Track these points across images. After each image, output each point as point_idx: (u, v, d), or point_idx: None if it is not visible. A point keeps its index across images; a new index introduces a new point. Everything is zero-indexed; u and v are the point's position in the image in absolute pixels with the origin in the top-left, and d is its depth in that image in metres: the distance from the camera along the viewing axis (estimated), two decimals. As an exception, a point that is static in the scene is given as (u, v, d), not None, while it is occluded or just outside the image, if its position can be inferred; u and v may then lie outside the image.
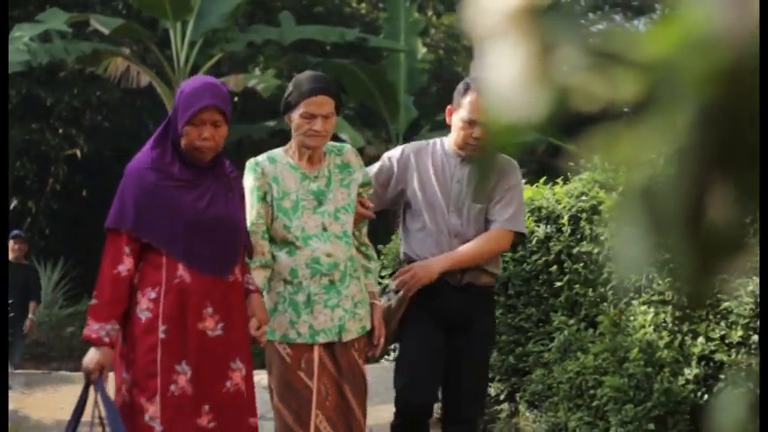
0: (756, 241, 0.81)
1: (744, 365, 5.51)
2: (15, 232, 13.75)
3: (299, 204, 4.69)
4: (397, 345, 6.25)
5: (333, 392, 4.62)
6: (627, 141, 0.79)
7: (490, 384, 6.74)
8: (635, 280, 6.18)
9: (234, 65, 21.17)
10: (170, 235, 4.29)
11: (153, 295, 4.27)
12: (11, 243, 13.18)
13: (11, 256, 13.05)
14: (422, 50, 22.61)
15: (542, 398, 6.66)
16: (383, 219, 15.16)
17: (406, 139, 19.32)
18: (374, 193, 5.04)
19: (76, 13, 17.77)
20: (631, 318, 6.15)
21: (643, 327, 6.00)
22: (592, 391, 6.04)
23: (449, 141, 5.13)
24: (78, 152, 21.96)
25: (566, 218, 6.78)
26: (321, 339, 4.63)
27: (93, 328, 4.21)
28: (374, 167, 5.17)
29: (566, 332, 6.52)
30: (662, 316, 6.00)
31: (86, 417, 4.28)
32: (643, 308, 6.09)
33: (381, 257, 7.70)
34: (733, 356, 5.61)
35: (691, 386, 5.70)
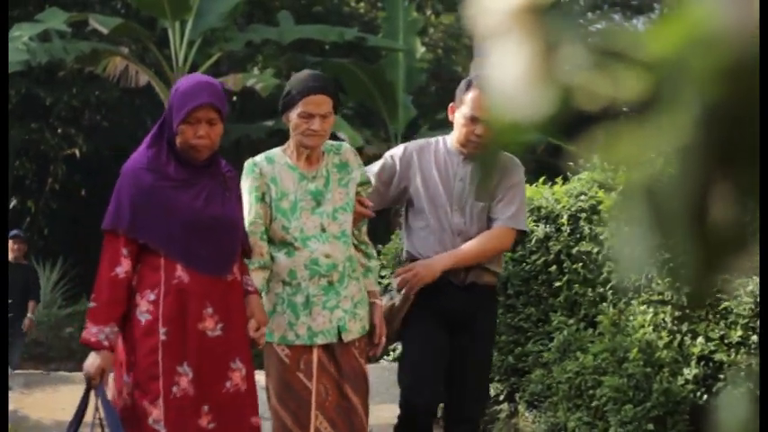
0: (757, 241, 0.81)
1: (743, 365, 5.51)
2: (14, 232, 13.74)
3: (298, 205, 4.66)
4: (398, 344, 6.25)
5: (333, 393, 4.59)
6: (630, 140, 0.78)
7: (489, 384, 6.74)
8: (634, 280, 6.18)
9: (232, 64, 21.17)
10: (167, 235, 4.26)
11: (152, 297, 4.23)
12: (10, 243, 13.17)
13: (10, 256, 13.04)
14: (420, 50, 22.62)
15: (542, 398, 6.66)
16: (383, 218, 15.16)
17: (405, 139, 19.32)
18: (376, 191, 5.03)
19: (75, 13, 17.76)
20: (631, 318, 6.15)
21: (642, 327, 6.00)
22: (591, 392, 6.04)
23: (451, 139, 5.12)
24: (77, 152, 21.96)
25: (565, 217, 6.78)
26: (320, 341, 4.61)
27: (92, 332, 4.17)
28: (376, 165, 5.16)
29: (565, 332, 6.51)
30: (661, 316, 6.00)
31: (87, 417, 4.26)
32: (642, 308, 6.09)
33: (381, 257, 7.70)
34: (732, 356, 5.61)
35: (690, 386, 5.70)
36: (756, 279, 5.16)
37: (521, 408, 6.98)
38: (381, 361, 8.70)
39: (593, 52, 0.79)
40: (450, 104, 5.13)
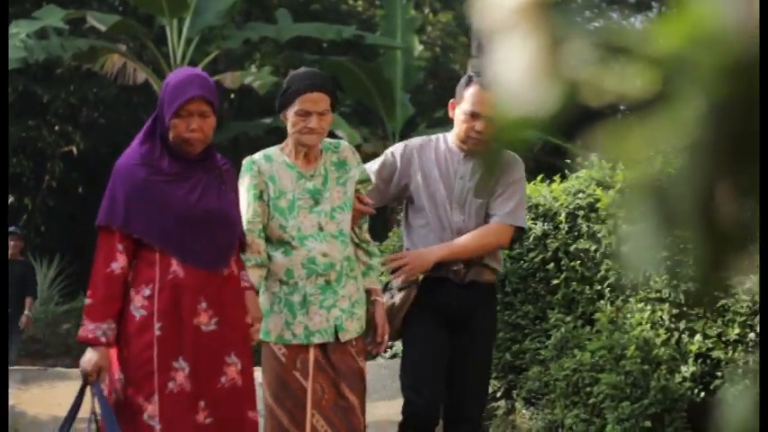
0: (757, 239, 0.82)
1: (741, 363, 5.52)
2: (11, 229, 13.74)
3: (296, 204, 4.65)
4: (396, 342, 6.25)
5: (330, 392, 4.58)
6: (635, 136, 0.79)
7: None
8: (632, 277, 6.18)
9: (230, 62, 21.17)
10: (161, 230, 4.23)
11: (147, 292, 4.20)
12: (6, 240, 13.18)
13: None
14: (418, 48, 22.62)
15: (539, 395, 6.67)
16: (381, 215, 15.16)
17: (403, 137, 19.31)
18: (376, 188, 5.02)
19: (73, 10, 17.77)
20: (628, 315, 6.16)
21: (640, 324, 6.00)
22: (588, 389, 6.04)
23: (452, 137, 5.11)
24: (74, 149, 21.94)
25: (563, 215, 6.78)
26: (316, 340, 4.59)
27: (88, 329, 4.14)
28: (376, 163, 5.14)
29: (562, 329, 6.52)
30: (659, 313, 6.00)
31: (83, 413, 4.25)
32: (640, 305, 6.10)
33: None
34: (730, 354, 5.61)
35: (688, 384, 5.71)
36: (754, 277, 5.16)
37: (518, 405, 6.99)
38: (378, 358, 8.70)
39: (599, 48, 0.80)
40: (451, 101, 5.12)
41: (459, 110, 5.03)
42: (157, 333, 4.18)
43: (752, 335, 5.58)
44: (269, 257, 4.65)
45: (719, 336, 5.70)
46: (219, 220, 4.34)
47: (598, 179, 6.73)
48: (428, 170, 5.07)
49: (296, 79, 4.66)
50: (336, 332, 4.62)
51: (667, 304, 5.96)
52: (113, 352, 4.22)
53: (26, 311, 13.31)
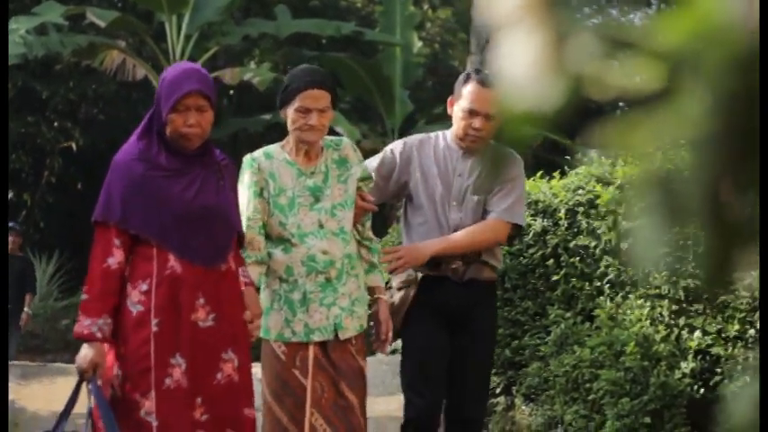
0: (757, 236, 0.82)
1: (741, 359, 5.52)
2: (10, 224, 13.73)
3: (296, 201, 4.63)
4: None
5: (329, 391, 4.56)
6: (642, 131, 0.80)
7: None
8: (637, 272, 6.18)
9: (229, 58, 21.15)
10: (159, 226, 4.20)
11: (144, 288, 4.17)
12: (5, 236, 13.18)
13: (6, 248, 13.06)
14: (417, 44, 22.60)
15: (538, 391, 6.67)
16: (381, 212, 15.13)
17: (402, 133, 19.32)
18: (375, 185, 4.99)
19: (72, 6, 17.73)
20: (628, 311, 6.16)
21: (640, 320, 6.01)
22: (588, 385, 6.04)
23: (450, 134, 5.10)
24: (74, 145, 21.92)
25: (562, 212, 6.78)
26: (316, 338, 4.57)
27: (84, 324, 4.11)
28: (375, 160, 5.12)
29: (562, 326, 6.52)
30: (658, 310, 6.01)
31: (80, 409, 4.23)
32: (640, 302, 6.10)
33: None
34: (730, 350, 5.62)
35: (687, 380, 5.71)
36: (754, 273, 5.16)
37: (517, 401, 6.99)
38: (378, 354, 8.71)
39: (604, 43, 0.80)
40: (450, 98, 5.11)
41: (458, 107, 5.01)
42: (154, 329, 4.16)
43: (752, 331, 5.58)
44: (269, 255, 4.63)
45: (719, 332, 5.71)
46: (217, 215, 4.32)
47: (598, 176, 6.73)
48: (427, 167, 5.06)
49: (296, 76, 4.64)
50: (336, 330, 4.61)
51: (667, 301, 5.97)
52: (110, 348, 4.20)
53: (26, 309, 13.32)
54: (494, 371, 7.02)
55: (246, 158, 4.71)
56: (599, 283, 6.52)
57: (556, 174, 7.30)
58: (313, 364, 4.56)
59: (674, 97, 0.81)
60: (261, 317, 4.52)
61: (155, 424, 4.12)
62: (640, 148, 0.83)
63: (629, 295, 6.24)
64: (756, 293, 5.37)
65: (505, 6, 0.85)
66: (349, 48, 21.36)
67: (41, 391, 9.10)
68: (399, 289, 4.99)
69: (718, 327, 5.70)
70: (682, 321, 5.88)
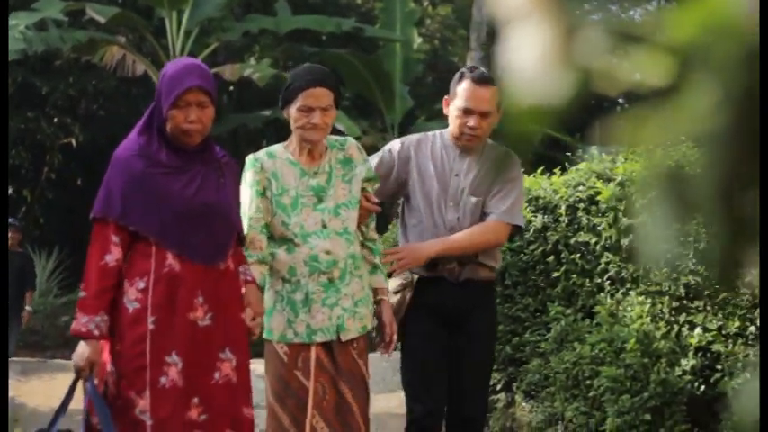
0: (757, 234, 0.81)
1: (741, 356, 5.51)
2: (9, 220, 13.73)
3: (299, 201, 4.60)
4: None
5: (331, 392, 4.54)
6: (652, 125, 0.79)
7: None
8: (633, 270, 6.18)
9: (229, 54, 21.13)
10: (158, 223, 4.18)
11: (141, 285, 4.15)
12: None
13: (5, 244, 13.06)
14: (417, 40, 22.62)
15: (539, 388, 6.67)
16: (382, 208, 15.13)
17: (402, 129, 19.34)
18: None
19: (72, 2, 17.71)
20: (628, 308, 6.15)
21: (640, 317, 6.00)
22: (588, 382, 6.04)
23: (448, 133, 5.09)
24: (73, 141, 21.92)
25: (563, 208, 6.78)
26: (318, 338, 4.55)
27: (81, 322, 4.09)
28: (374, 159, 5.09)
29: (562, 322, 6.52)
30: (659, 306, 6.00)
31: (79, 405, 4.22)
32: (640, 298, 6.09)
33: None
34: (730, 347, 5.61)
35: (687, 377, 5.71)
36: (754, 270, 5.15)
37: (518, 398, 6.99)
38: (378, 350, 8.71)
39: (613, 37, 0.80)
40: (445, 97, 5.09)
41: (453, 106, 4.99)
42: (151, 327, 4.13)
43: (752, 328, 5.57)
44: (272, 255, 4.61)
45: (720, 329, 5.70)
46: (218, 213, 4.30)
47: (598, 172, 6.72)
48: (424, 167, 5.03)
49: (298, 75, 4.61)
50: (338, 331, 4.58)
51: (667, 297, 5.96)
52: (106, 344, 4.17)
53: (27, 307, 13.34)
54: (494, 367, 7.03)
55: (249, 158, 4.69)
56: (599, 280, 6.52)
57: (556, 170, 7.30)
58: (315, 365, 4.54)
59: (683, 92, 0.81)
60: (263, 315, 4.50)
61: (149, 423, 4.10)
62: (649, 144, 0.82)
63: (630, 292, 6.24)
64: (757, 290, 5.35)
65: (514, 0, 0.84)
66: (349, 44, 21.35)
67: (41, 388, 9.10)
68: (396, 292, 4.97)
69: (719, 324, 5.69)
70: (682, 318, 5.87)
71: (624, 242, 6.21)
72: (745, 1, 0.81)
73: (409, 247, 4.94)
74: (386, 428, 7.21)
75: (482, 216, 5.01)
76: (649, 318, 5.98)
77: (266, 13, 20.41)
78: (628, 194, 6.19)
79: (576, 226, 6.72)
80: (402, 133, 17.55)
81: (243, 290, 4.41)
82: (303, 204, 4.61)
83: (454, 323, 4.98)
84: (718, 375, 5.60)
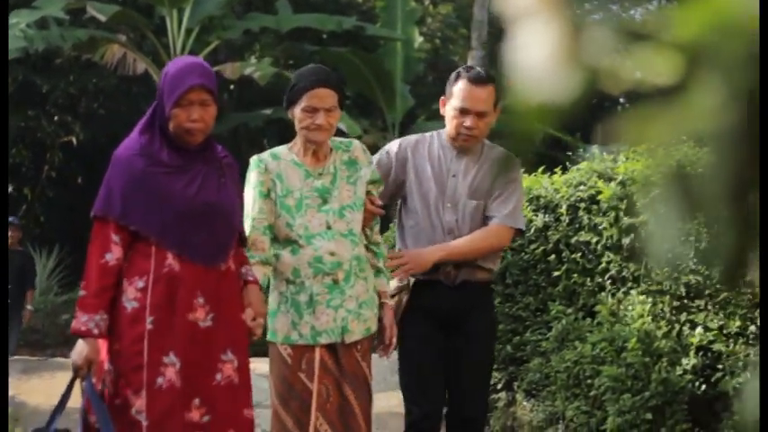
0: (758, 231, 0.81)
1: (742, 356, 5.51)
2: (10, 219, 13.73)
3: (303, 202, 4.58)
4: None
5: (335, 394, 4.51)
6: (659, 123, 0.79)
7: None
8: (633, 269, 6.18)
9: (230, 53, 21.14)
10: (159, 223, 4.16)
11: (141, 284, 4.13)
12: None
13: (6, 243, 13.06)
14: (418, 39, 22.61)
15: (540, 387, 6.67)
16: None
17: (403, 128, 19.34)
18: None
19: (73, 0, 17.72)
20: (629, 307, 6.15)
21: (641, 316, 6.00)
22: (589, 381, 6.04)
23: (445, 134, 5.07)
24: (74, 139, 21.92)
25: (564, 207, 6.78)
26: (323, 340, 4.53)
27: (81, 321, 4.08)
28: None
29: (563, 321, 6.52)
30: (660, 306, 6.00)
31: (74, 404, 4.21)
32: (641, 297, 6.09)
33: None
34: (731, 347, 5.61)
35: (689, 376, 5.70)
36: (755, 270, 5.14)
37: (519, 397, 6.99)
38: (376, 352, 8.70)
39: (620, 35, 0.79)
40: (442, 98, 5.06)
41: (449, 106, 4.97)
42: (149, 327, 4.11)
43: (753, 327, 5.57)
44: (276, 257, 4.59)
45: (720, 328, 5.70)
46: (219, 212, 4.28)
47: (599, 171, 6.72)
48: (421, 168, 5.01)
49: (303, 76, 4.59)
50: (342, 333, 4.56)
51: (668, 296, 5.96)
52: (104, 343, 4.16)
53: (28, 306, 13.35)
54: (495, 367, 7.02)
55: (254, 159, 4.67)
56: (600, 279, 6.52)
57: (557, 169, 7.30)
58: (319, 367, 4.51)
59: (689, 91, 0.80)
60: (264, 315, 4.48)
61: (145, 423, 4.08)
62: (655, 143, 0.82)
63: (631, 291, 6.23)
64: (757, 290, 5.34)
65: (519, -2, 0.84)
66: (350, 43, 21.34)
67: (42, 386, 9.10)
68: (392, 296, 4.95)
69: (720, 323, 5.69)
70: (683, 317, 5.87)
71: (625, 241, 6.21)
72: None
73: (413, 253, 4.91)
74: (386, 428, 7.22)
75: (484, 220, 4.98)
76: (650, 317, 5.98)
77: (267, 11, 20.41)
78: (629, 194, 6.18)
79: (577, 225, 6.72)
80: (403, 132, 17.57)
81: (244, 290, 4.40)
82: (308, 206, 4.59)
83: (452, 325, 4.96)
84: (719, 375, 5.60)
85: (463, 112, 4.90)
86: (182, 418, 4.13)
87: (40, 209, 22.73)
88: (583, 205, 6.69)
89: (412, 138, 5.19)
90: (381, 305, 4.76)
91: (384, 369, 7.90)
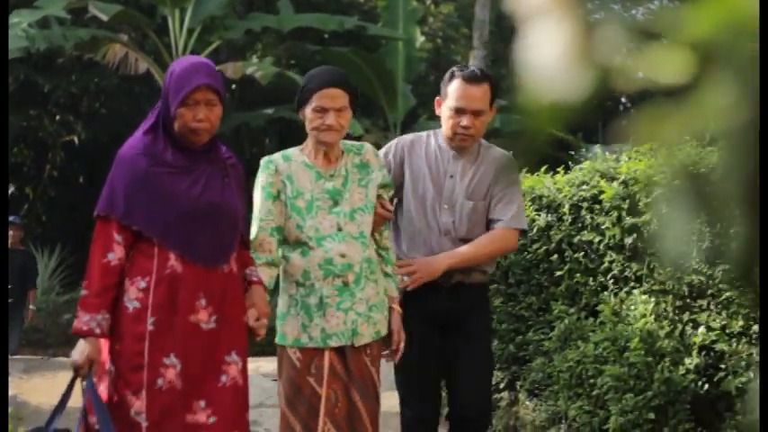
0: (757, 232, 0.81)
1: (745, 355, 5.51)
2: (11, 218, 13.73)
3: (314, 204, 4.55)
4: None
5: (343, 399, 4.49)
6: (671, 122, 0.78)
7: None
8: (636, 269, 6.18)
9: (232, 52, 21.14)
10: (162, 223, 4.15)
11: (143, 285, 4.12)
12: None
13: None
14: (420, 39, 22.62)
15: (542, 386, 6.67)
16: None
17: (404, 127, 19.33)
18: None
19: (75, 0, 17.73)
20: (632, 307, 6.15)
21: (644, 316, 5.99)
22: (592, 380, 6.04)
23: (442, 134, 5.05)
24: (76, 139, 21.93)
25: (566, 207, 6.77)
26: (333, 343, 4.49)
27: (83, 320, 4.07)
28: None
29: (566, 321, 6.51)
30: (663, 305, 5.99)
31: (77, 403, 4.20)
32: (644, 297, 6.09)
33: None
34: (734, 346, 5.60)
35: (691, 376, 5.70)
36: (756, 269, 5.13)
37: (521, 396, 6.99)
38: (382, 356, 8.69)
39: (632, 33, 0.79)
40: (437, 98, 5.05)
41: (445, 106, 4.95)
42: (150, 327, 4.10)
43: (755, 327, 5.57)
44: (286, 259, 4.57)
45: (723, 328, 5.69)
46: (223, 213, 4.27)
47: (602, 171, 6.71)
48: (417, 168, 4.98)
49: (313, 76, 4.56)
50: (352, 336, 4.53)
51: (671, 296, 5.95)
52: (105, 342, 4.15)
53: (31, 306, 13.36)
54: (498, 366, 7.02)
55: (264, 160, 4.65)
56: (603, 279, 6.51)
57: (560, 169, 7.29)
58: (328, 372, 4.48)
59: (701, 89, 0.80)
60: (268, 315, 4.45)
61: (144, 424, 4.08)
62: (667, 141, 0.82)
63: (634, 291, 6.23)
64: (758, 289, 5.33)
65: (530, -3, 0.83)
66: (351, 42, 21.34)
67: (44, 385, 9.10)
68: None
69: (723, 323, 5.69)
70: (686, 317, 5.87)
71: (628, 241, 6.21)
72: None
73: (422, 261, 4.88)
74: (387, 427, 7.20)
75: (488, 223, 4.97)
76: (653, 316, 5.97)
77: (269, 11, 20.41)
78: (631, 193, 6.18)
79: (579, 225, 6.71)
80: (404, 132, 17.54)
81: (247, 290, 4.39)
82: (318, 207, 4.56)
83: (449, 325, 4.95)
84: (721, 374, 5.59)
85: (459, 111, 4.89)
86: (182, 419, 4.12)
87: (41, 208, 22.74)
88: (585, 205, 6.68)
89: (408, 137, 5.17)
90: (390, 310, 4.73)
91: (384, 368, 7.89)
